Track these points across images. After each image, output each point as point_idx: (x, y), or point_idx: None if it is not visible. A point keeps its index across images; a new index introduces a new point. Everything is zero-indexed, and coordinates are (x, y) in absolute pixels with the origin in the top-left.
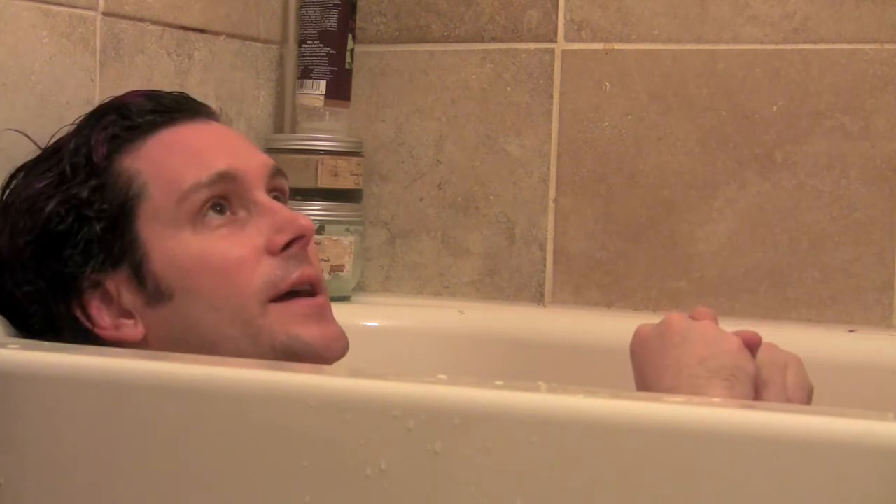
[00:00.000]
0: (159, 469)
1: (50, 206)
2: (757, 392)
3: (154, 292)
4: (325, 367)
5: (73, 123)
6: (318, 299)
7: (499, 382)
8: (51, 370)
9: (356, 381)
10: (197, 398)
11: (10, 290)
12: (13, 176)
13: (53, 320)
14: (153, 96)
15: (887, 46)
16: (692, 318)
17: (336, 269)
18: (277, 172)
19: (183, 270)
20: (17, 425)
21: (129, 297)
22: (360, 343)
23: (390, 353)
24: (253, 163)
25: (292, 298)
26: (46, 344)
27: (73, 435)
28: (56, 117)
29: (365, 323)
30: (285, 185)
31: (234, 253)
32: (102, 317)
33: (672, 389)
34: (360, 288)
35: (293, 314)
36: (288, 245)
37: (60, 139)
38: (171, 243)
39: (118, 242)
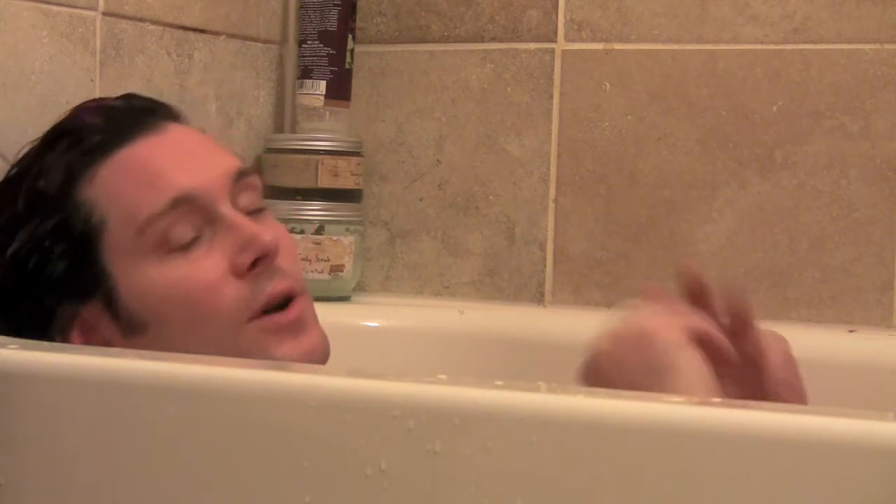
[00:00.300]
0: (159, 469)
1: (13, 248)
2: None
3: (128, 324)
4: (325, 367)
5: (34, 141)
6: (290, 312)
7: (499, 382)
8: (51, 370)
9: (356, 381)
10: (197, 398)
11: None
12: None
13: None
14: (105, 111)
15: (887, 46)
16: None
17: (336, 269)
18: (243, 174)
19: (153, 302)
20: (17, 425)
21: (106, 328)
22: (360, 343)
23: (390, 353)
24: (213, 173)
25: (267, 315)
26: (46, 344)
27: (73, 435)
28: (56, 117)
29: (365, 323)
30: (256, 182)
31: (200, 279)
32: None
33: None
34: (360, 288)
35: (267, 333)
36: (253, 264)
37: (21, 163)
38: (137, 275)
39: (86, 275)
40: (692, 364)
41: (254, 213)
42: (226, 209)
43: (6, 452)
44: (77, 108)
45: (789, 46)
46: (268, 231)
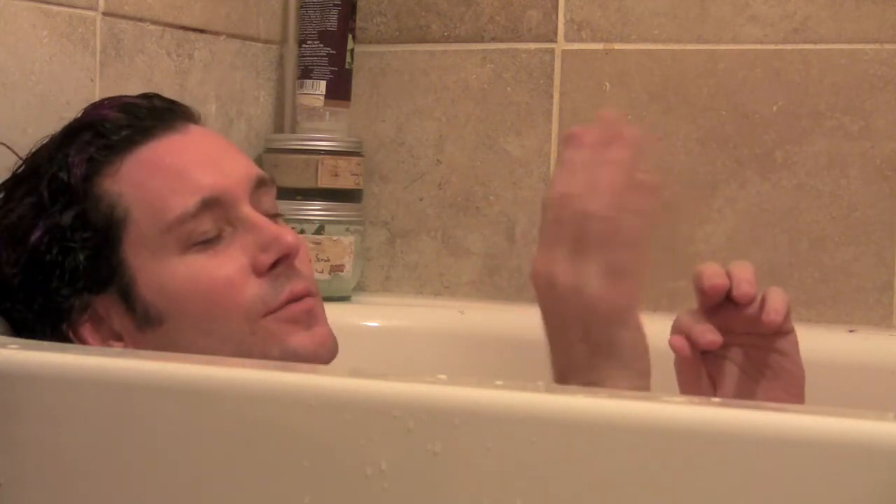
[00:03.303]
0: (159, 469)
1: (33, 238)
2: None
3: (144, 316)
4: (325, 367)
5: (48, 136)
6: (306, 302)
7: (499, 382)
8: (51, 370)
9: (356, 381)
10: (197, 398)
11: (5, 310)
12: None
13: (48, 339)
14: (128, 108)
15: (887, 46)
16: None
17: (336, 269)
18: (262, 183)
19: (171, 296)
20: (17, 425)
21: (118, 320)
22: (360, 343)
23: (390, 353)
24: (236, 175)
25: (282, 308)
26: (46, 344)
27: (73, 435)
28: (56, 117)
29: (365, 323)
30: (273, 193)
31: (221, 274)
32: (94, 339)
33: (566, 375)
34: (360, 288)
35: (282, 322)
36: (274, 264)
37: (37, 155)
38: (157, 268)
39: (104, 267)
40: (633, 354)
41: (271, 217)
42: (248, 210)
43: (6, 452)
44: (96, 104)
45: (789, 46)
46: (290, 232)
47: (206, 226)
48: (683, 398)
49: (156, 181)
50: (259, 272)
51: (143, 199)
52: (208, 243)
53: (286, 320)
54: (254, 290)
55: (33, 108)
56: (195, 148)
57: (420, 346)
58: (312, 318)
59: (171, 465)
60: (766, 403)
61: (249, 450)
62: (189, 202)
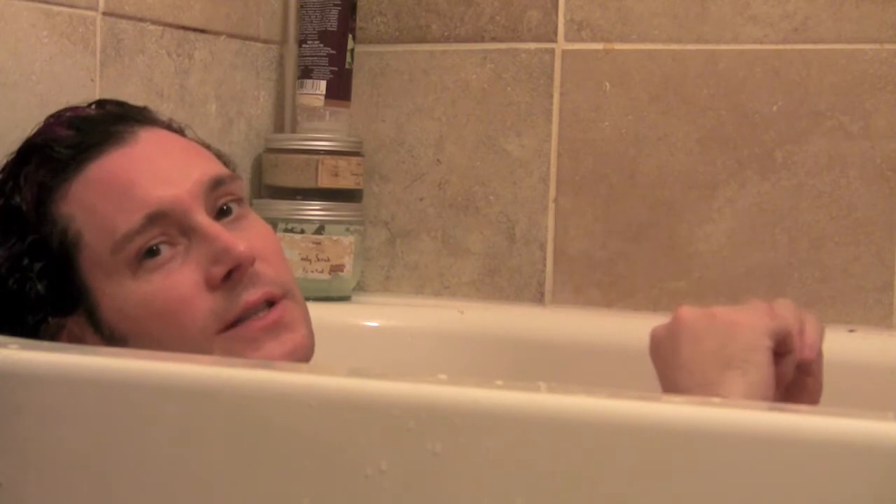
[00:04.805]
0: (159, 469)
1: None
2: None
3: (110, 337)
4: (325, 367)
5: (11, 154)
6: (269, 316)
7: (499, 382)
8: (51, 370)
9: (356, 381)
10: (197, 398)
11: None
12: None
13: None
14: (78, 122)
15: (887, 46)
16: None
17: (336, 269)
18: (218, 183)
19: (130, 317)
20: (17, 425)
21: (90, 339)
22: (360, 343)
23: (390, 353)
24: (187, 184)
25: (242, 323)
26: (46, 344)
27: (73, 435)
28: None
29: (365, 323)
30: (235, 189)
31: (174, 293)
32: None
33: (689, 390)
34: (360, 288)
35: (244, 340)
36: (228, 275)
37: None
38: (114, 290)
39: (68, 291)
40: (760, 374)
41: (233, 219)
42: (200, 219)
43: (6, 452)
44: (49, 118)
45: (789, 46)
46: (241, 241)
47: (156, 240)
48: (683, 398)
49: (103, 201)
50: (212, 286)
51: (93, 221)
52: (161, 261)
53: (246, 339)
54: (207, 305)
55: (33, 108)
56: (143, 160)
57: (420, 346)
58: (280, 328)
59: (171, 465)
60: (765, 403)
61: (249, 450)
62: (134, 218)
